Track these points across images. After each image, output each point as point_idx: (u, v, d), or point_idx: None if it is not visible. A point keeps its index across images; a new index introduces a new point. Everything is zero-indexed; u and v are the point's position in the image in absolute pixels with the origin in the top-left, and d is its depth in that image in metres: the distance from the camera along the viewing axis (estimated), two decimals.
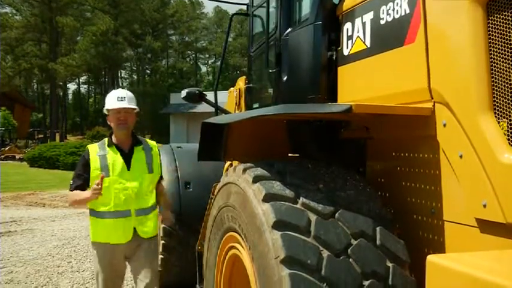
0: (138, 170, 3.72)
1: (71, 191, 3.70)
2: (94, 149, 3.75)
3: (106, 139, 3.81)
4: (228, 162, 4.69)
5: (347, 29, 2.87)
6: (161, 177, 4.01)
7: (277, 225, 2.17)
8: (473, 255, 1.68)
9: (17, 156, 35.25)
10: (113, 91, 3.81)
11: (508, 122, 1.97)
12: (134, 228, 3.69)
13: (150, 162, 3.81)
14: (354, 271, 2.07)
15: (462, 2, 2.08)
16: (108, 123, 3.76)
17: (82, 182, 3.67)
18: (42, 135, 50.19)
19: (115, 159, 3.67)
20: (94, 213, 3.71)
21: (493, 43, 2.02)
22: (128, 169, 3.68)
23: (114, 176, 3.62)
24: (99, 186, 3.47)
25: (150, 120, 53.35)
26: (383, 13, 2.56)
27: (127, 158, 3.71)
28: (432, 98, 2.24)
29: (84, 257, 7.48)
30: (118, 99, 3.67)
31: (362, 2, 2.75)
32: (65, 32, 50.83)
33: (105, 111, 3.77)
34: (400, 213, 2.53)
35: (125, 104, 3.67)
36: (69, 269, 6.87)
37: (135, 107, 3.75)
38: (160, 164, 4.01)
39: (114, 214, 3.62)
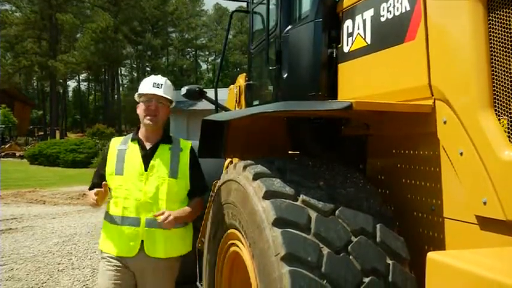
0: (158, 172, 3.08)
1: (89, 189, 3.26)
2: (116, 142, 3.26)
3: (132, 133, 3.32)
4: (228, 160, 4.69)
5: (347, 26, 2.87)
6: (203, 190, 3.31)
7: (278, 223, 2.17)
8: (473, 253, 1.68)
9: (17, 154, 35.23)
10: (151, 76, 3.25)
11: (508, 119, 1.97)
12: (142, 243, 3.05)
13: (176, 165, 3.14)
14: (354, 268, 2.08)
15: None
16: (137, 112, 3.19)
17: (98, 179, 3.21)
18: (42, 133, 50.19)
19: (133, 155, 3.13)
20: (105, 214, 3.24)
21: (493, 40, 2.01)
22: (145, 169, 3.09)
23: (128, 174, 3.09)
24: (96, 198, 2.96)
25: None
26: (383, 10, 2.55)
27: (147, 156, 3.13)
28: (432, 95, 2.24)
29: (85, 254, 7.49)
30: (154, 85, 3.12)
31: None
32: (64, 29, 50.78)
33: (136, 97, 3.22)
34: (400, 211, 2.53)
35: (159, 92, 3.11)
36: (69, 266, 6.88)
37: (171, 98, 3.20)
38: (199, 171, 3.30)
39: (121, 220, 3.08)
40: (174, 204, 3.08)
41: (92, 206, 3.02)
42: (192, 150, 3.23)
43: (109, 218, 3.15)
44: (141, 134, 3.20)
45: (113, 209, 3.14)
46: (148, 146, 3.16)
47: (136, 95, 3.20)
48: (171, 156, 3.14)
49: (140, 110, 3.14)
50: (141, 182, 3.06)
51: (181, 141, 3.27)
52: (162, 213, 2.99)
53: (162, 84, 3.14)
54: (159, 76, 3.22)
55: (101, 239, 3.23)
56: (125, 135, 3.52)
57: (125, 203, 3.05)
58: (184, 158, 3.18)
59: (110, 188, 3.12)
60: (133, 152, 3.14)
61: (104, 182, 3.00)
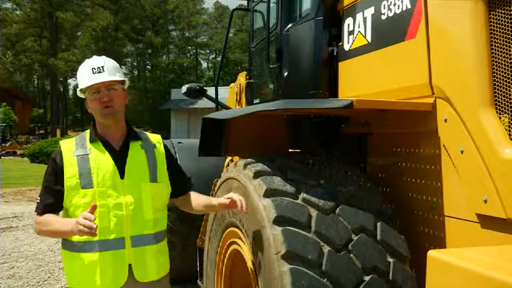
0: (136, 178, 2.44)
1: (39, 214, 2.44)
2: (69, 146, 2.47)
3: (86, 132, 2.56)
4: (229, 158, 4.69)
5: (348, 24, 2.87)
6: (189, 185, 2.75)
7: (278, 221, 2.17)
8: (474, 251, 1.68)
9: (18, 152, 35.26)
10: (86, 61, 2.51)
11: (509, 118, 1.97)
12: (130, 267, 2.38)
13: (154, 166, 2.52)
14: (355, 266, 2.08)
15: None
16: (90, 111, 2.51)
17: (53, 199, 2.41)
18: (43, 131, 50.19)
19: (101, 161, 2.41)
20: (68, 244, 2.40)
21: (494, 38, 2.01)
22: (122, 176, 2.41)
23: (100, 186, 2.36)
24: (94, 225, 2.10)
25: (151, 115, 53.31)
26: (384, 8, 2.55)
27: (119, 159, 2.44)
28: (433, 94, 2.24)
29: None
30: (94, 71, 2.42)
31: None
32: (65, 28, 50.76)
33: (79, 95, 2.54)
34: (400, 209, 2.53)
35: (104, 77, 2.41)
36: None
37: (122, 78, 2.52)
38: (178, 166, 2.77)
39: (99, 245, 2.32)
40: (159, 212, 2.51)
41: (89, 234, 2.12)
42: (165, 145, 2.66)
43: (76, 246, 2.35)
44: (102, 132, 2.49)
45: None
46: (116, 145, 2.48)
47: (78, 92, 2.53)
48: (146, 155, 2.52)
49: (91, 106, 2.45)
50: (118, 194, 2.37)
51: (150, 136, 2.66)
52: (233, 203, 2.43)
53: (103, 67, 2.44)
54: (95, 58, 2.51)
55: (69, 275, 2.44)
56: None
57: (101, 223, 2.29)
58: (160, 156, 2.58)
59: (66, 208, 2.42)
60: (101, 157, 2.41)
61: (94, 204, 2.22)
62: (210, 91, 5.08)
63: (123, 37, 53.68)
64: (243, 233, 2.61)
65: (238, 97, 5.04)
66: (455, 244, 2.17)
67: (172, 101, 39.74)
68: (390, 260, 2.15)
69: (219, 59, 65.93)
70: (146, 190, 2.45)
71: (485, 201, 1.96)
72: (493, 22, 2.02)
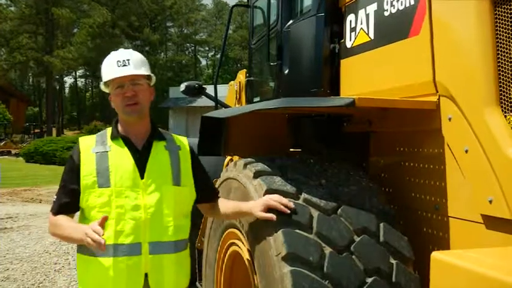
0: (158, 179, 2.32)
1: (54, 214, 2.36)
2: (88, 143, 2.38)
3: (108, 129, 2.46)
4: (228, 157, 4.69)
5: (350, 21, 2.87)
6: (217, 192, 2.61)
7: (279, 222, 2.17)
8: (478, 252, 1.68)
9: (13, 152, 35.26)
10: (112, 53, 2.42)
11: None
12: (146, 276, 2.25)
13: (178, 169, 2.38)
14: (357, 268, 2.08)
15: None
16: (113, 106, 2.40)
17: (68, 199, 2.32)
18: (38, 130, 50.18)
19: (121, 159, 2.31)
20: (82, 248, 2.28)
21: (499, 35, 2.01)
22: (142, 176, 2.29)
23: (118, 186, 2.25)
24: (102, 240, 2.00)
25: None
26: (387, 4, 2.55)
27: (140, 158, 2.33)
28: (437, 92, 2.24)
29: None
30: (119, 64, 2.32)
31: None
32: (61, 24, 50.74)
33: (103, 88, 2.44)
34: (403, 209, 2.53)
35: (129, 70, 2.30)
36: (66, 266, 6.88)
37: (148, 72, 2.40)
38: (205, 172, 2.57)
39: (113, 249, 2.20)
40: (181, 219, 2.38)
41: (96, 247, 2.03)
42: (191, 147, 2.55)
43: (90, 250, 2.20)
44: (124, 129, 2.39)
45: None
46: (138, 144, 2.37)
47: (102, 86, 2.43)
48: (170, 156, 2.40)
49: (114, 101, 2.36)
50: (137, 195, 2.26)
51: (175, 137, 2.54)
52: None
53: (128, 60, 2.33)
54: (121, 50, 2.42)
55: (82, 281, 2.36)
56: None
57: (117, 226, 2.21)
58: (186, 159, 2.45)
59: (82, 209, 2.34)
60: (121, 155, 2.31)
61: (105, 216, 2.14)
62: (209, 89, 5.08)
63: (120, 34, 53.66)
64: (242, 234, 2.62)
65: (237, 95, 5.04)
66: (460, 245, 2.17)
67: (171, 99, 39.76)
68: (393, 261, 2.16)
69: (218, 56, 65.85)
70: (168, 193, 2.32)
71: (490, 202, 1.96)
72: (498, 19, 2.02)
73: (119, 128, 2.40)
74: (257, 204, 2.32)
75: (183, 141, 2.53)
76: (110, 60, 2.37)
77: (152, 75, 2.44)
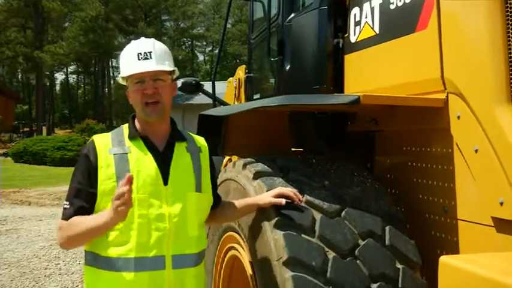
0: (181, 186, 2.20)
1: (65, 219, 2.15)
2: (103, 143, 2.20)
3: (124, 127, 2.29)
4: (227, 158, 4.70)
5: (354, 15, 2.87)
6: (220, 198, 2.51)
7: (280, 224, 2.18)
8: (488, 256, 1.69)
9: (1, 151, 35.27)
10: (132, 43, 2.26)
11: None
12: None
13: (199, 173, 2.28)
14: (362, 273, 2.08)
15: None
16: (130, 103, 2.26)
17: (86, 204, 2.14)
18: (27, 129, 50.16)
19: (143, 162, 2.16)
20: (95, 259, 2.15)
21: (511, 30, 2.01)
22: (165, 183, 2.16)
23: (141, 193, 2.10)
24: (126, 193, 1.91)
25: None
26: None
27: (163, 162, 2.19)
28: (445, 89, 2.25)
29: (73, 259, 7.49)
30: (140, 57, 2.16)
31: None
32: (51, 18, 50.71)
33: (119, 80, 2.32)
34: (410, 212, 2.53)
35: (151, 66, 2.15)
36: (57, 271, 6.89)
37: (172, 68, 2.25)
38: (214, 175, 2.50)
39: (135, 263, 2.08)
40: (202, 228, 2.29)
41: (116, 220, 1.99)
42: (206, 147, 2.44)
43: (109, 263, 2.10)
44: (142, 127, 2.24)
45: (116, 249, 2.10)
46: (159, 145, 2.23)
47: (119, 79, 2.31)
48: (192, 160, 2.28)
49: (133, 97, 2.22)
50: (161, 203, 2.13)
51: (194, 137, 2.41)
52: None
53: (150, 53, 2.18)
54: (143, 40, 2.27)
55: None
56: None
57: (140, 238, 2.09)
58: (206, 162, 2.36)
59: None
60: (142, 157, 2.17)
61: (129, 174, 1.94)
62: (207, 86, 5.09)
63: (113, 28, 53.61)
64: (242, 238, 2.62)
65: (236, 92, 5.05)
66: (469, 249, 2.18)
67: None
68: (399, 266, 2.16)
69: (216, 51, 65.83)
70: (192, 201, 2.21)
71: (501, 204, 1.96)
72: (510, 13, 2.02)
73: (137, 126, 2.25)
74: (268, 194, 2.33)
75: (202, 141, 2.42)
76: (129, 52, 2.22)
77: (176, 69, 2.29)
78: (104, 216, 2.02)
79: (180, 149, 2.27)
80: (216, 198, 2.44)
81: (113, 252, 2.09)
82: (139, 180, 2.11)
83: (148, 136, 2.22)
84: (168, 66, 2.21)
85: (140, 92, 2.16)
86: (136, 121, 2.26)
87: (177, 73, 2.31)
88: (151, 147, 2.21)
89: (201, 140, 2.42)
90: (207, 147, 2.41)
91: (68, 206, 2.16)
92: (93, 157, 2.15)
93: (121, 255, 2.07)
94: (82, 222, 2.09)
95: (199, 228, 2.24)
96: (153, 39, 2.27)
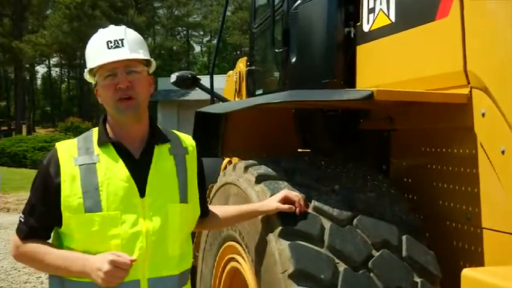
0: (161, 196, 2.09)
1: (22, 239, 2.09)
2: (68, 151, 2.08)
3: (94, 130, 2.18)
4: (227, 159, 4.71)
5: (368, 1, 2.87)
6: (208, 208, 2.41)
7: (285, 233, 2.18)
8: None
9: None
10: (100, 31, 2.15)
11: None
12: None
13: (184, 180, 2.16)
14: (376, 287, 2.09)
15: None
16: (98, 100, 2.12)
17: (35, 223, 2.07)
18: (5, 128, 50.34)
19: (113, 172, 2.03)
20: (62, 282, 2.06)
21: None
22: (142, 194, 2.05)
23: (112, 209, 1.99)
24: (124, 271, 1.90)
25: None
26: None
27: (139, 170, 2.07)
28: (469, 83, 2.25)
29: None
30: (110, 45, 2.04)
31: None
32: (31, 4, 50.85)
33: (87, 77, 2.17)
34: (429, 219, 2.54)
35: (123, 54, 2.03)
36: (38, 285, 6.91)
37: (148, 56, 2.15)
38: (203, 180, 2.36)
39: None
40: (185, 244, 2.18)
41: (101, 282, 1.90)
42: (194, 147, 2.31)
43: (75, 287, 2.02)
44: (114, 131, 2.11)
45: None
46: (135, 150, 2.11)
47: (86, 74, 2.16)
48: (175, 164, 2.16)
49: (103, 95, 2.07)
50: (137, 219, 2.02)
51: (180, 136, 2.30)
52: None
53: (122, 40, 2.05)
54: (112, 27, 2.16)
55: None
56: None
57: None
58: (192, 166, 2.24)
59: (61, 233, 2.09)
60: (113, 166, 2.04)
61: (132, 258, 1.93)
62: (204, 80, 5.09)
63: (100, 16, 53.60)
64: (243, 248, 2.62)
65: (237, 87, 5.05)
66: (494, 261, 2.18)
67: (160, 92, 39.75)
68: (417, 280, 2.16)
69: (214, 42, 65.84)
70: (174, 214, 2.09)
71: None
72: None
73: (109, 129, 2.12)
74: (273, 198, 2.31)
75: (189, 141, 2.30)
76: (97, 40, 2.10)
77: (152, 60, 2.19)
78: (79, 263, 1.95)
79: (160, 152, 2.15)
80: (204, 208, 2.34)
81: (81, 276, 1.98)
82: (109, 194, 2.00)
83: (121, 141, 2.10)
84: (143, 54, 2.11)
85: (112, 87, 2.03)
86: (107, 124, 2.14)
87: (153, 65, 2.21)
88: (124, 153, 2.08)
89: (187, 140, 2.29)
90: (194, 148, 2.28)
91: (23, 220, 2.11)
92: (53, 170, 2.04)
93: (91, 280, 1.94)
94: (48, 256, 2.03)
95: (182, 245, 2.13)
96: (124, 26, 2.16)
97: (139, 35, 2.19)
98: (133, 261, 1.91)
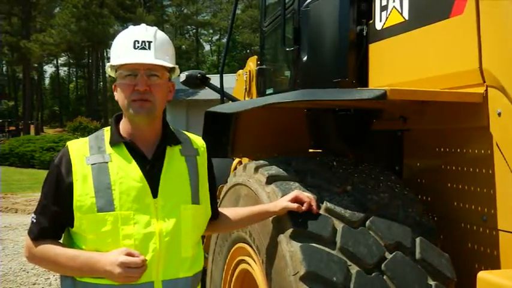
0: (174, 197, 2.10)
1: (33, 239, 2.09)
2: (80, 150, 2.08)
3: (105, 130, 2.18)
4: (237, 160, 4.71)
5: None
6: (218, 210, 2.41)
7: (296, 235, 2.18)
8: None
9: None
10: (130, 28, 2.15)
11: None
12: None
13: (196, 181, 2.18)
14: None
15: None
16: (116, 98, 2.12)
17: (47, 223, 2.07)
18: (14, 128, 50.65)
19: (126, 172, 2.04)
20: (74, 284, 2.04)
21: None
22: (154, 195, 2.06)
23: (125, 210, 2.00)
24: (140, 269, 1.94)
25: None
26: None
27: (151, 170, 2.08)
28: (484, 82, 2.24)
29: None
30: (136, 46, 2.05)
31: None
32: (39, 4, 51.16)
33: (108, 72, 2.18)
34: (444, 221, 2.53)
35: (147, 57, 2.04)
36: (46, 286, 6.94)
37: (173, 64, 2.14)
38: (214, 182, 2.36)
39: None
40: (197, 246, 2.18)
41: (115, 279, 1.93)
42: (205, 148, 2.33)
43: None
44: (127, 131, 2.12)
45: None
46: (147, 151, 2.11)
47: (108, 68, 2.17)
48: (187, 165, 2.18)
49: (120, 93, 2.07)
50: (150, 219, 2.03)
51: (191, 138, 2.30)
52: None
53: (150, 43, 2.06)
54: (143, 26, 2.15)
55: None
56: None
57: None
58: (203, 167, 2.25)
59: (73, 233, 2.08)
60: (125, 166, 2.05)
61: (142, 257, 1.94)
62: (214, 79, 5.10)
63: (109, 15, 53.89)
64: (253, 250, 2.63)
65: (247, 86, 5.05)
66: (511, 264, 2.16)
67: None
68: (432, 282, 2.15)
69: (224, 40, 65.95)
70: (187, 215, 2.10)
71: None
72: None
73: (121, 129, 2.12)
74: (284, 199, 2.31)
75: (200, 142, 2.31)
76: (125, 38, 2.09)
77: (177, 66, 2.17)
78: (94, 261, 1.95)
79: (173, 153, 2.16)
80: (214, 210, 2.34)
81: (95, 278, 1.98)
82: (122, 193, 2.00)
83: (134, 141, 2.10)
84: (168, 61, 2.10)
85: (130, 87, 2.03)
86: (121, 123, 2.15)
87: (177, 73, 2.21)
88: (137, 154, 2.08)
89: (198, 141, 2.31)
90: (205, 149, 2.30)
91: (35, 221, 2.10)
92: (65, 170, 2.04)
93: (103, 282, 1.96)
94: (59, 255, 2.03)
95: (194, 247, 2.14)
96: (155, 27, 2.15)
97: (170, 41, 2.19)
98: (145, 260, 1.92)
